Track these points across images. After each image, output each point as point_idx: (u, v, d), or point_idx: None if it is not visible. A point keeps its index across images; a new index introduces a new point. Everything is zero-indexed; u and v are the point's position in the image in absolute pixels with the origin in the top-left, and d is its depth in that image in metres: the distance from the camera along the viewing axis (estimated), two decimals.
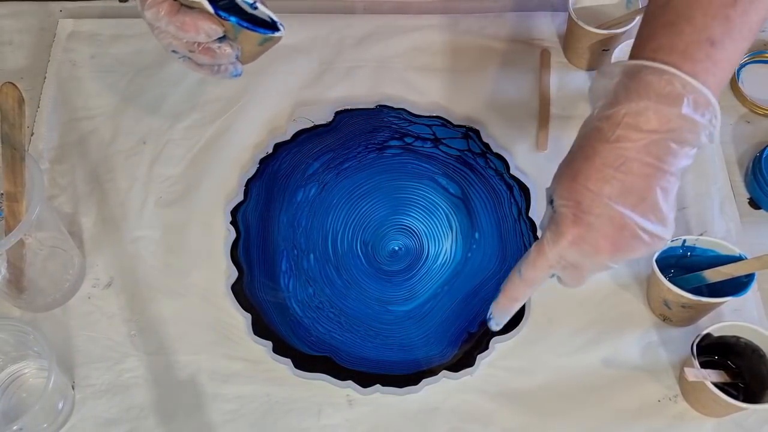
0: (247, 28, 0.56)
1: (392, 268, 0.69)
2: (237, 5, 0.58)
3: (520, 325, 0.65)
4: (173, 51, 0.59)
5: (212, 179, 0.73)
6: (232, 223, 0.70)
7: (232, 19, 0.56)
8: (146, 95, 0.78)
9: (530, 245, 0.68)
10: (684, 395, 0.63)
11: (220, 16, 0.55)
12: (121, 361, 0.65)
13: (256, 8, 0.58)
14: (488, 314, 0.57)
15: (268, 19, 0.58)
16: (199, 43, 0.57)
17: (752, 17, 0.49)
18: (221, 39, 0.58)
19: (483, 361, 0.64)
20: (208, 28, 0.56)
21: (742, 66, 0.79)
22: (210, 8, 0.55)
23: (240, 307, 0.66)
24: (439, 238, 0.70)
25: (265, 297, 0.67)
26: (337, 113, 0.76)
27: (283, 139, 0.75)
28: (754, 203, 0.73)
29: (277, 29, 0.58)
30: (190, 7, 0.56)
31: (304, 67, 0.79)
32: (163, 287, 0.68)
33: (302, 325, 0.66)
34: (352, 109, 0.76)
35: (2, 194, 0.61)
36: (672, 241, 0.64)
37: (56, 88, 0.78)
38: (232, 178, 0.73)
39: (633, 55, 0.51)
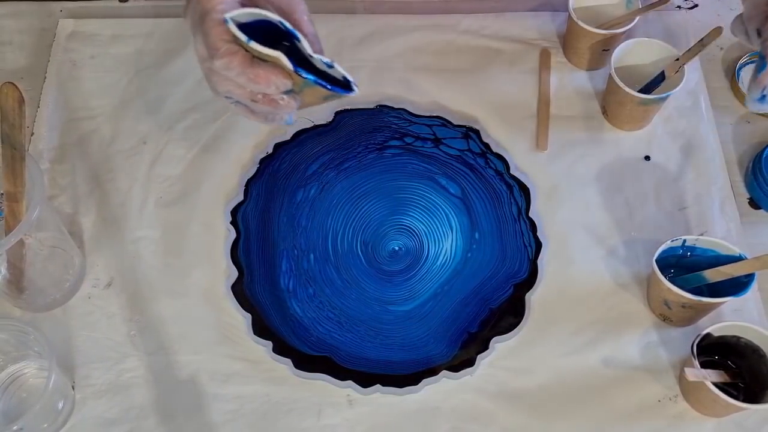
0: (327, 88, 0.53)
1: (392, 268, 0.69)
2: (306, 59, 0.55)
3: (520, 325, 0.65)
4: (227, 96, 0.57)
5: (212, 179, 0.73)
6: (232, 223, 0.70)
7: (311, 77, 0.53)
8: (146, 95, 0.78)
9: (530, 245, 0.69)
10: (684, 395, 0.63)
11: (299, 75, 0.52)
12: (121, 361, 0.65)
13: (332, 67, 0.54)
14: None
15: (342, 79, 0.55)
16: (264, 94, 0.55)
17: None
18: (287, 91, 0.55)
19: (483, 361, 0.64)
20: (279, 83, 0.54)
21: (742, 66, 0.79)
22: (290, 66, 0.52)
23: (240, 307, 0.66)
24: (439, 238, 0.70)
25: (265, 299, 0.67)
26: (337, 113, 0.76)
27: (283, 139, 0.74)
28: (754, 203, 0.73)
29: (351, 90, 0.54)
30: (262, 59, 0.53)
31: None
32: (163, 287, 0.68)
33: (302, 325, 0.66)
34: (352, 109, 0.76)
35: (2, 194, 0.61)
36: (672, 240, 0.64)
37: (56, 88, 0.78)
38: (232, 178, 0.73)
39: None
